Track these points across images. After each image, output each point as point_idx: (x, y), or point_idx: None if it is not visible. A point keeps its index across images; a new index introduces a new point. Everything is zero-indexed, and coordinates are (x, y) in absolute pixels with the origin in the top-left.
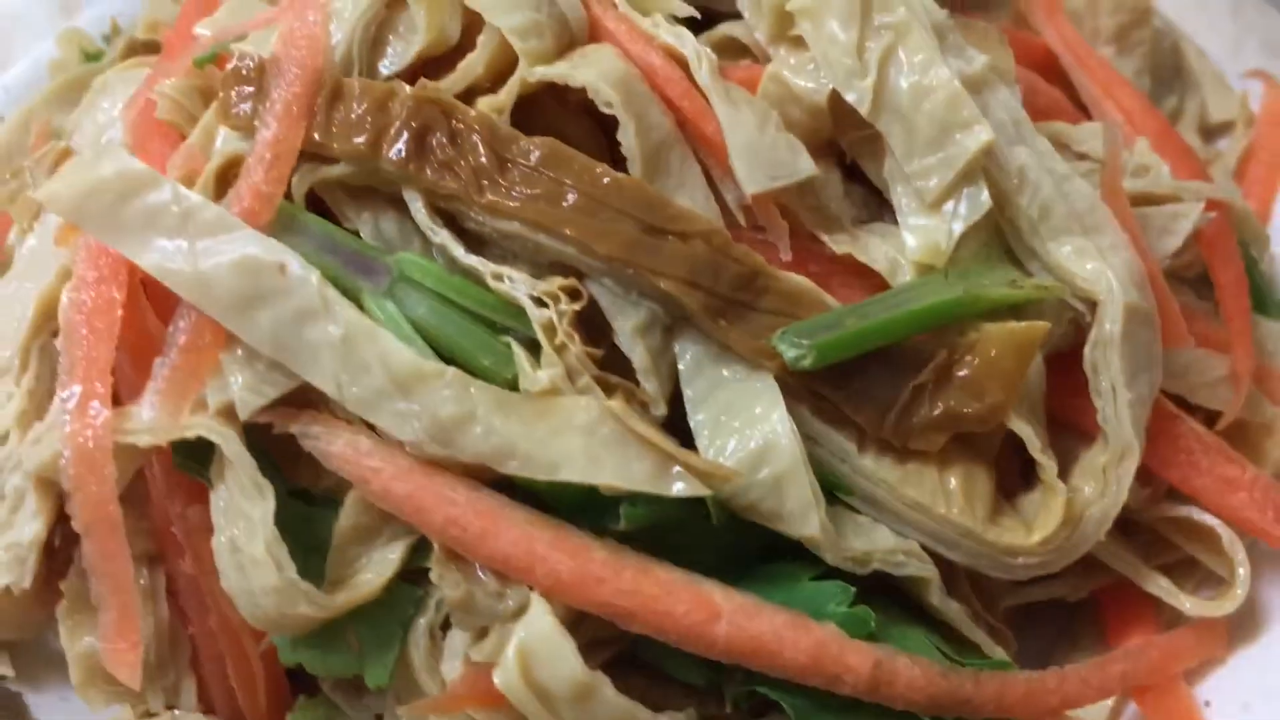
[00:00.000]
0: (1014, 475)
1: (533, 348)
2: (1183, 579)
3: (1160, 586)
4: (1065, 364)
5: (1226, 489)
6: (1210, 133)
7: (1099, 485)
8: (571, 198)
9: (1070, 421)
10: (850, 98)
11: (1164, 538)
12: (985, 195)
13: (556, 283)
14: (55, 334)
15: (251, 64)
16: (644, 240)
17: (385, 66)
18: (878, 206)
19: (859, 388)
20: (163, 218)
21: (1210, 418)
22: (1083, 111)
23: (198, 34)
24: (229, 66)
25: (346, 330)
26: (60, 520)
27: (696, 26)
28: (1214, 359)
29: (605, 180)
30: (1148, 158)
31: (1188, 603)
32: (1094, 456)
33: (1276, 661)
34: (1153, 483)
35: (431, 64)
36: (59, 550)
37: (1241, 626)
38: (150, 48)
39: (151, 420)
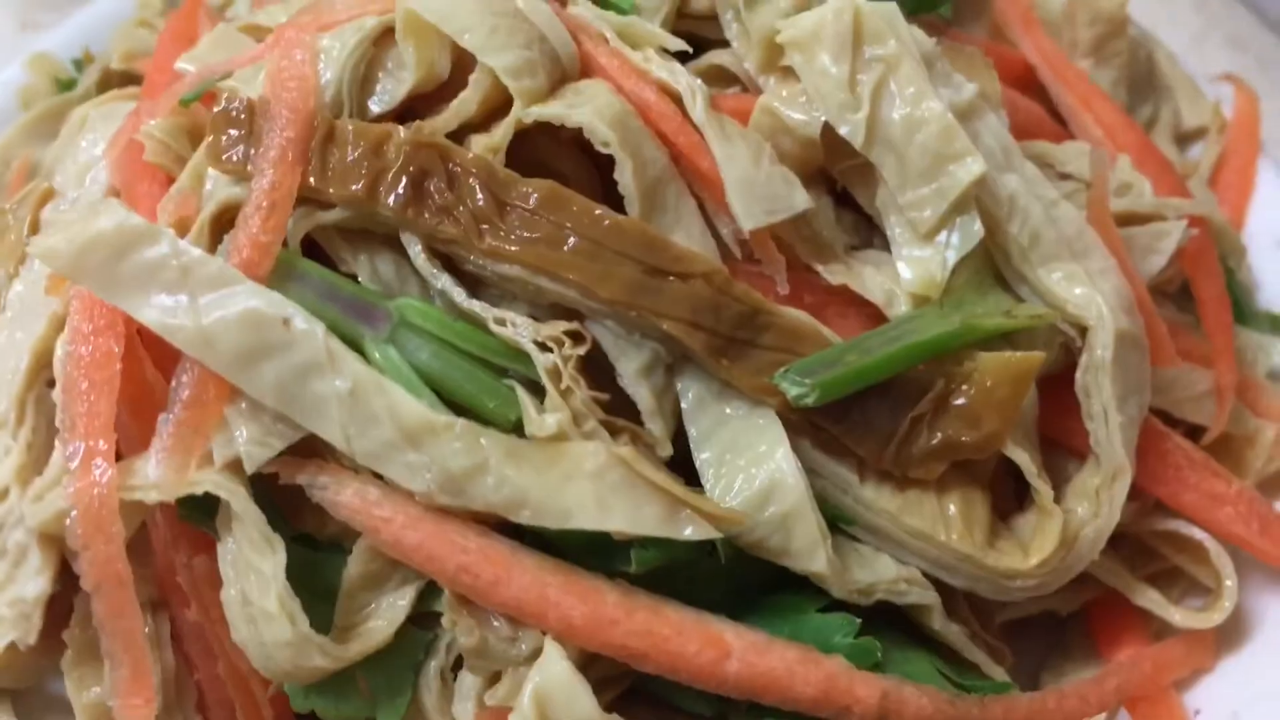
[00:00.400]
0: (1008, 495)
1: (536, 390)
2: (1168, 586)
3: (1150, 599)
4: (1055, 386)
5: (1213, 504)
6: (1184, 138)
7: (1092, 506)
8: (572, 241)
9: (1061, 441)
10: (843, 131)
11: (1151, 548)
12: (978, 225)
13: (560, 327)
14: (50, 384)
15: (241, 106)
16: (646, 282)
17: (376, 104)
18: (868, 231)
19: (859, 420)
20: (162, 272)
21: (1193, 430)
22: (1060, 122)
23: (180, 70)
24: (217, 108)
25: (354, 383)
26: (61, 570)
27: (683, 54)
28: (1197, 373)
29: (605, 222)
30: (1130, 175)
31: (1177, 615)
32: (1086, 478)
33: (1263, 668)
34: (1140, 497)
35: (421, 99)
36: (58, 597)
37: (1228, 634)
38: (126, 79)
39: (158, 476)
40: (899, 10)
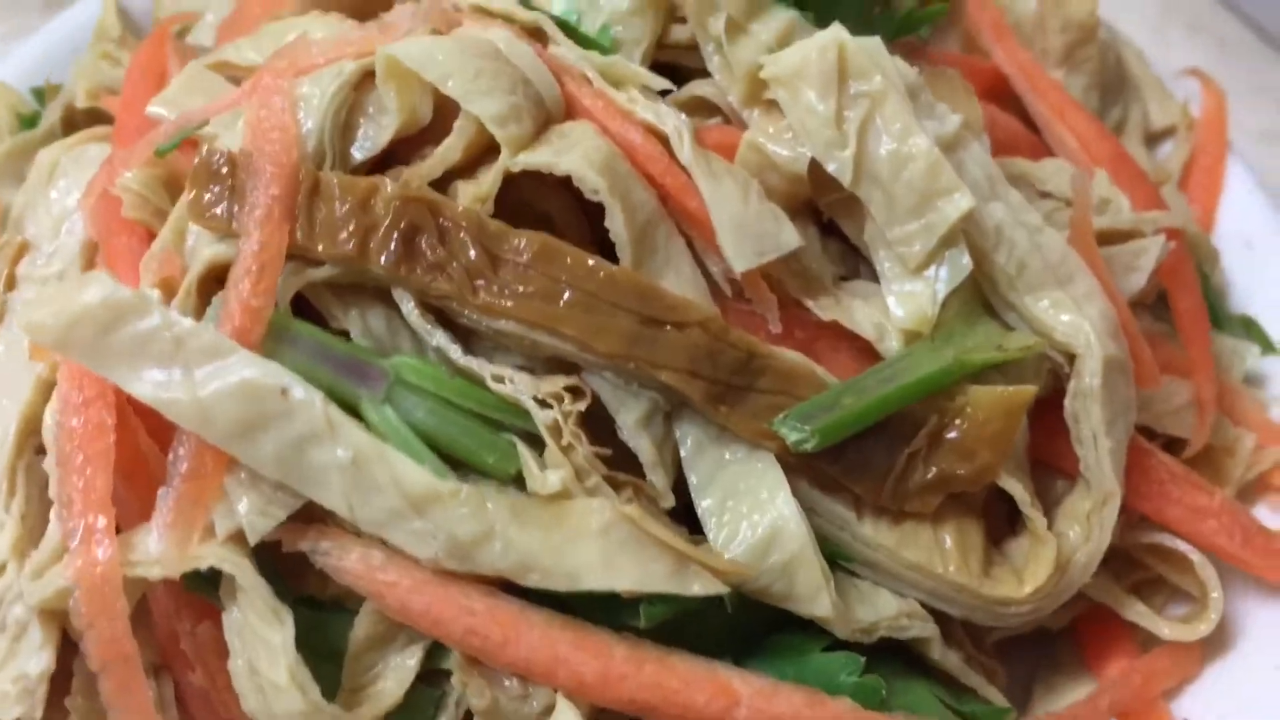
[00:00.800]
0: (999, 517)
1: (536, 442)
2: (1152, 594)
3: (1138, 612)
4: (1043, 409)
5: (1197, 517)
6: (1153, 138)
7: (1084, 530)
8: (567, 294)
9: (1049, 463)
10: (831, 168)
11: (1136, 559)
12: (966, 258)
13: (559, 382)
14: (39, 451)
15: (222, 160)
16: (642, 333)
17: (358, 152)
18: (855, 258)
19: (856, 459)
20: (154, 344)
21: (1172, 440)
22: (1034, 130)
23: (152, 115)
24: (197, 161)
25: (355, 452)
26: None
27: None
28: (1177, 385)
29: (600, 274)
30: (1107, 190)
31: (1166, 629)
32: (1077, 501)
33: (1250, 675)
34: (1126, 513)
35: (403, 141)
36: (59, 660)
37: (1213, 642)
38: (93, 116)
39: (160, 552)
40: (882, 44)
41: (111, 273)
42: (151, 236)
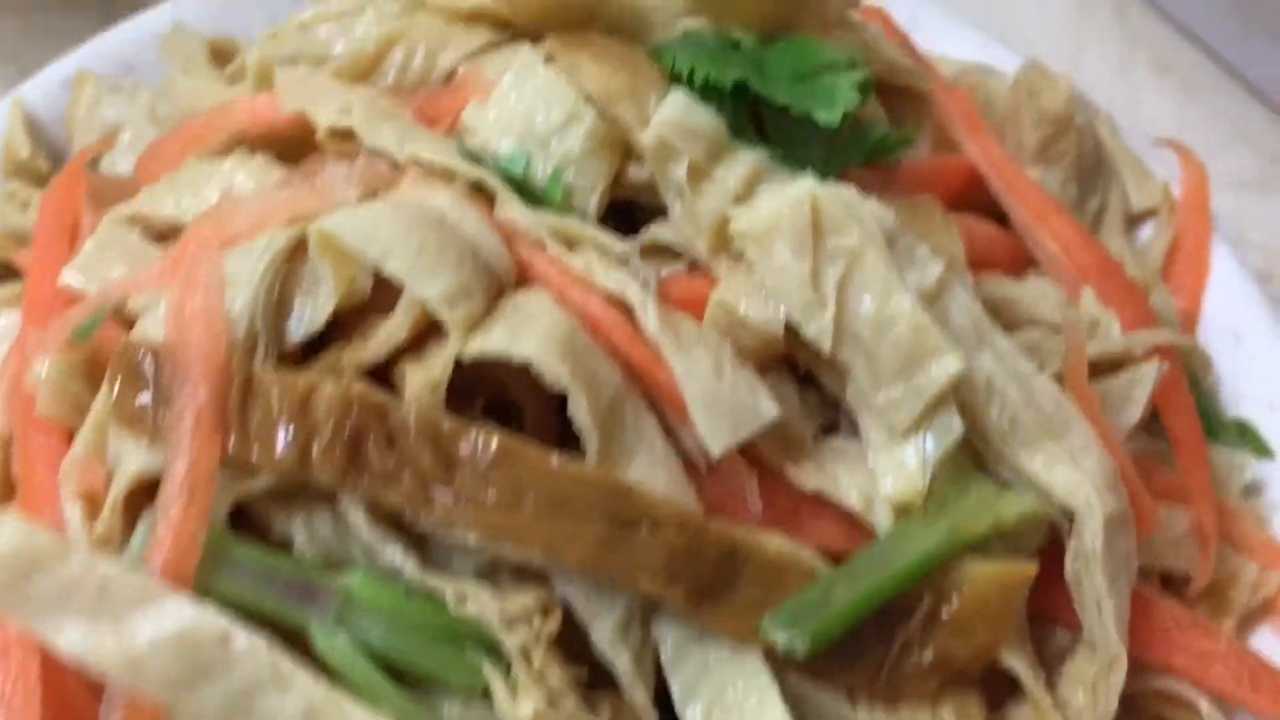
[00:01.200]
0: (997, 676)
1: (501, 653)
2: None
3: None
4: (1040, 561)
5: (1203, 663)
6: (1134, 219)
7: (1090, 698)
8: (531, 499)
9: (1048, 615)
10: (810, 332)
11: (1138, 704)
12: (957, 421)
13: (527, 598)
14: None
15: (145, 353)
16: (616, 537)
17: (294, 330)
18: (835, 407)
19: (847, 650)
20: (76, 594)
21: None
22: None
23: (67, 286)
24: (116, 356)
25: (307, 704)
26: None
27: (619, 223)
28: (1175, 514)
29: (565, 475)
30: (1095, 310)
31: None
32: (1082, 665)
33: None
34: (1129, 661)
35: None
36: None
37: None
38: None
39: None
40: (857, 194)
41: (29, 479)
42: (73, 432)
